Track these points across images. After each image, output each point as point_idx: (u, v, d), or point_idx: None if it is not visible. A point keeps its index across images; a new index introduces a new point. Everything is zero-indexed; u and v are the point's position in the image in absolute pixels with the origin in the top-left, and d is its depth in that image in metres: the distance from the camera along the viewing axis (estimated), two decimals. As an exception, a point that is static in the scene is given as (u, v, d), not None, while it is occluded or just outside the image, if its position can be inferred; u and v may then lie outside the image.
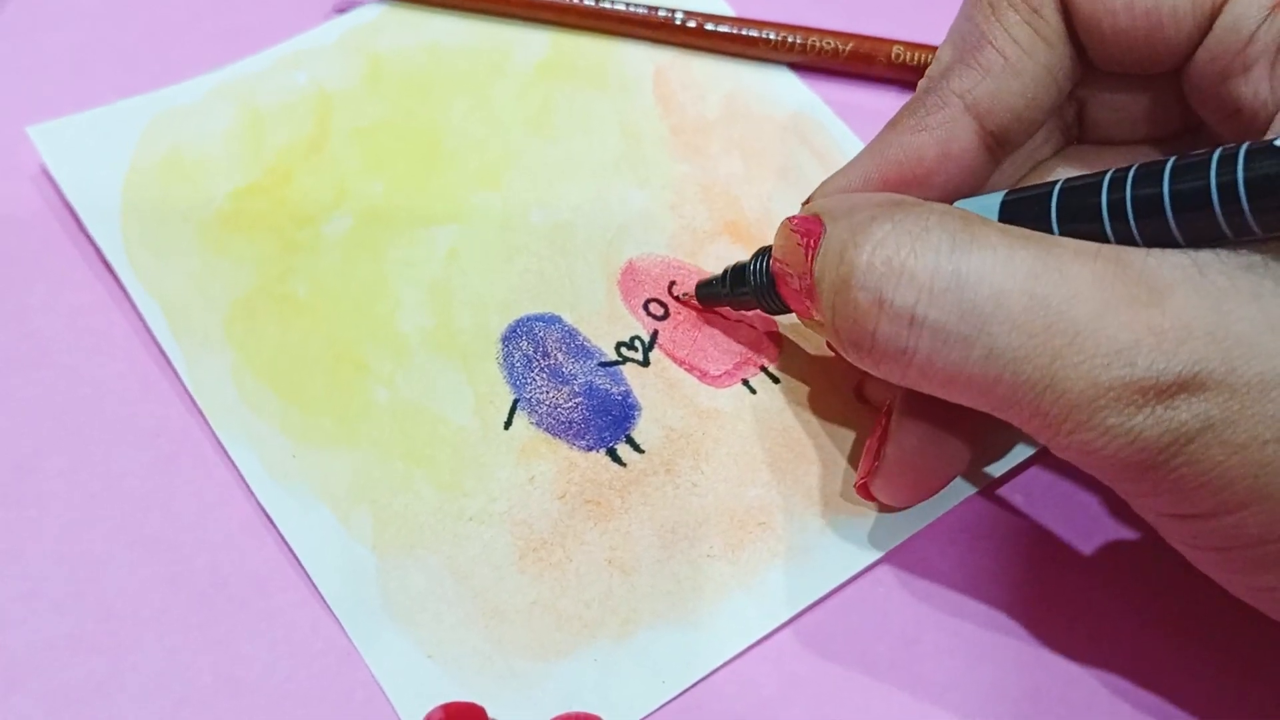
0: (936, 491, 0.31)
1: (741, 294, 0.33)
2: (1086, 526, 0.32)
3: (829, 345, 0.34)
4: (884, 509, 0.32)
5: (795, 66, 0.41)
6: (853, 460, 0.33)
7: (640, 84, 0.40)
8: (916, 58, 0.40)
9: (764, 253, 0.31)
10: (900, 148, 0.29)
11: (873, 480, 0.30)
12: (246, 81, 0.38)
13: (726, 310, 0.35)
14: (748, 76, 0.40)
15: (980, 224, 0.25)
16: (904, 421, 0.29)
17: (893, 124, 0.29)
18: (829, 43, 0.40)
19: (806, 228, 0.27)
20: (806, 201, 0.31)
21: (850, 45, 0.40)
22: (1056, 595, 0.31)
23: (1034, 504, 0.33)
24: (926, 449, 0.29)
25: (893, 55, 0.40)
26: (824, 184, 0.30)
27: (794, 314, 0.30)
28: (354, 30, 0.40)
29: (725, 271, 0.33)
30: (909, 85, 0.41)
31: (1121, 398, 0.23)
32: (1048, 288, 0.24)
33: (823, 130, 0.39)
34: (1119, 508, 0.33)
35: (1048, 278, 0.24)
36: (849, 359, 0.27)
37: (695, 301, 0.35)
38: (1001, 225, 0.25)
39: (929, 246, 0.24)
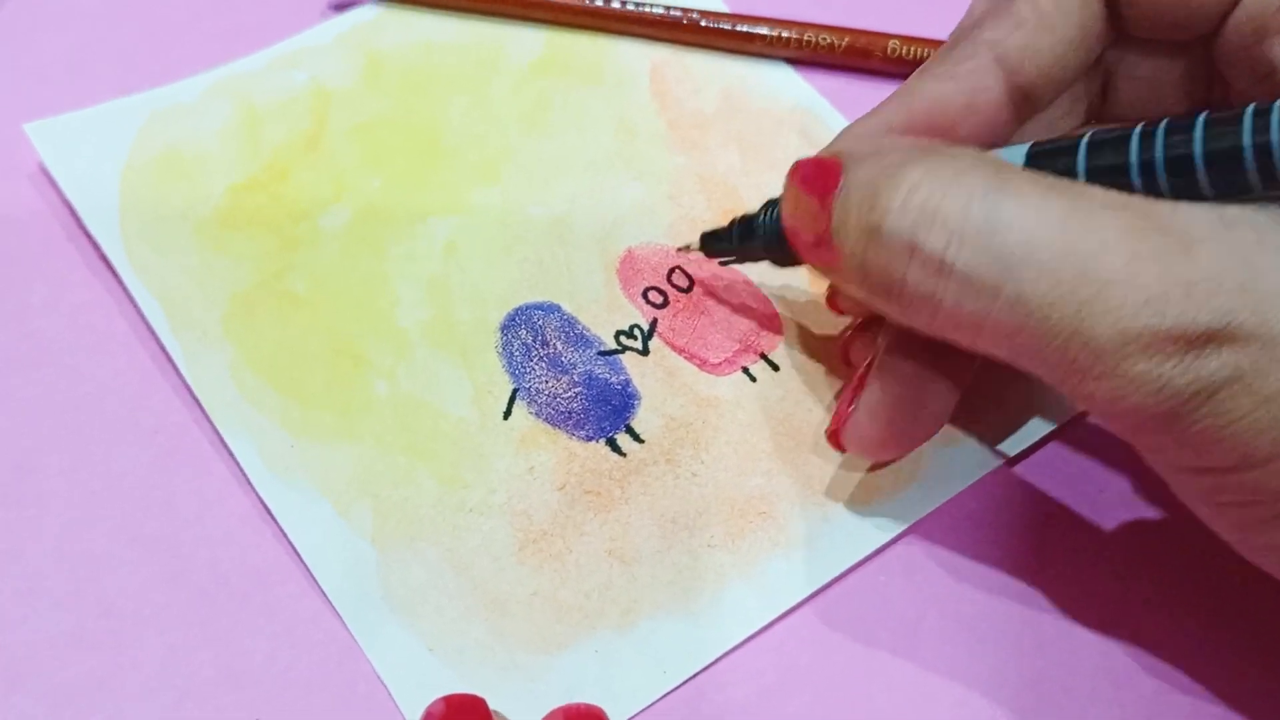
0: (912, 446, 0.31)
1: (749, 246, 0.32)
2: (1089, 513, 0.32)
3: (828, 302, 0.33)
4: (875, 468, 0.32)
5: (792, 61, 0.41)
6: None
7: (636, 80, 0.40)
8: (913, 52, 0.40)
9: (773, 204, 0.31)
10: (926, 95, 0.28)
11: (845, 428, 0.30)
12: (244, 80, 0.38)
13: (727, 295, 0.35)
14: (745, 72, 0.40)
15: (1011, 171, 0.25)
16: (888, 363, 0.29)
17: (921, 71, 0.29)
18: (825, 38, 0.40)
19: (821, 170, 0.27)
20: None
21: (846, 40, 0.40)
22: (1059, 581, 0.31)
23: (1035, 491, 0.33)
24: (900, 402, 0.29)
25: (889, 49, 0.40)
26: (847, 129, 0.30)
27: (795, 280, 0.30)
28: (351, 30, 0.40)
29: (733, 222, 0.32)
30: (906, 78, 0.41)
31: (1150, 346, 0.23)
32: (1077, 236, 0.23)
33: (821, 124, 0.39)
34: (1122, 493, 0.33)
35: (1076, 226, 0.23)
36: (872, 304, 0.27)
37: (699, 252, 0.34)
38: (1031, 173, 0.25)
39: (962, 191, 0.24)
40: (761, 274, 0.35)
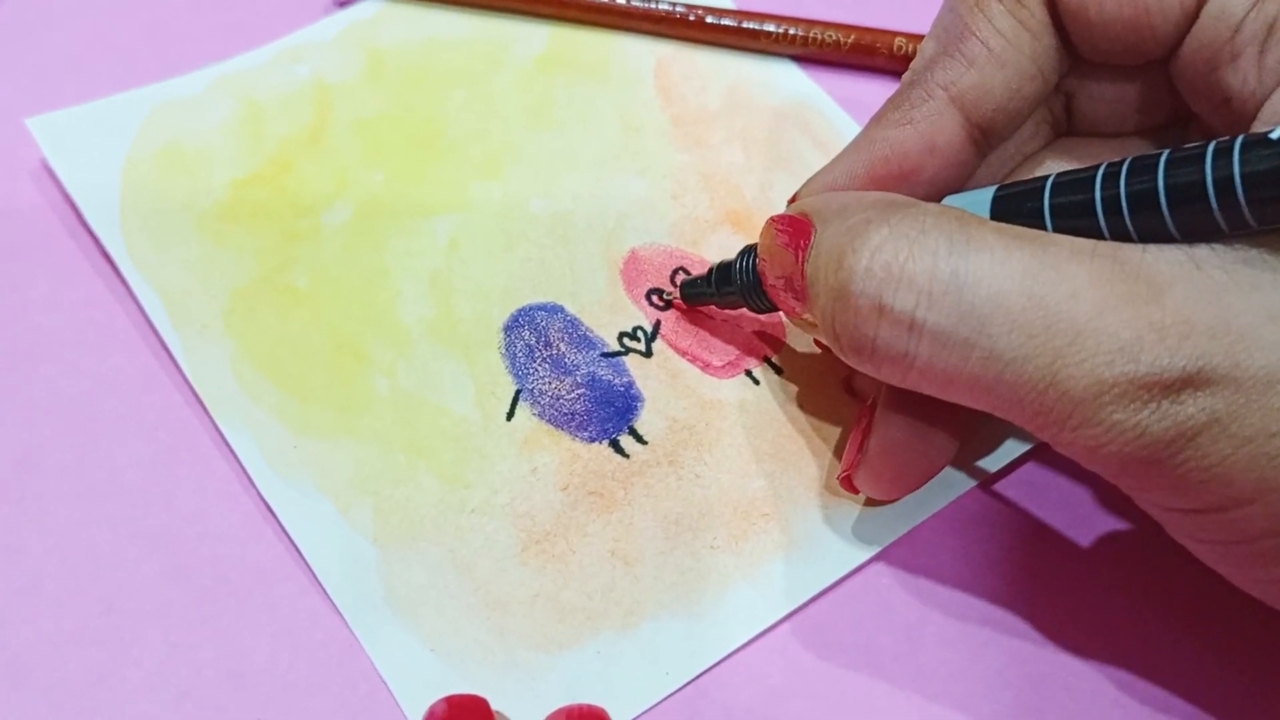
0: (920, 485, 0.30)
1: (727, 294, 0.32)
2: (1087, 518, 0.32)
3: (815, 341, 0.34)
4: (876, 502, 0.32)
5: (797, 58, 0.41)
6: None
7: (641, 76, 0.39)
8: (918, 49, 0.40)
9: (749, 251, 0.31)
10: (885, 143, 0.28)
11: (856, 473, 0.30)
12: (246, 75, 0.38)
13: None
14: (750, 68, 0.40)
15: (976, 224, 0.25)
16: (888, 414, 0.29)
17: (877, 119, 0.29)
18: (831, 35, 0.40)
19: (795, 227, 0.27)
20: (792, 200, 0.30)
21: (852, 37, 0.40)
22: (1059, 586, 0.31)
23: (1036, 496, 0.33)
24: (911, 442, 0.29)
25: (895, 47, 0.40)
26: (809, 182, 0.30)
27: (780, 313, 0.30)
28: (354, 25, 0.40)
29: (710, 270, 0.33)
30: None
31: (1126, 394, 0.23)
32: (1046, 287, 0.23)
33: (825, 121, 0.39)
34: (1119, 500, 0.32)
35: (1045, 277, 0.23)
36: (848, 362, 0.27)
37: (680, 302, 0.34)
38: (996, 224, 0.25)
39: (926, 250, 0.24)
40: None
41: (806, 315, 0.27)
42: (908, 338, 0.25)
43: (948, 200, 0.28)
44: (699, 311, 0.35)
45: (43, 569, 0.30)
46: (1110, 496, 0.32)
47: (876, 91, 0.40)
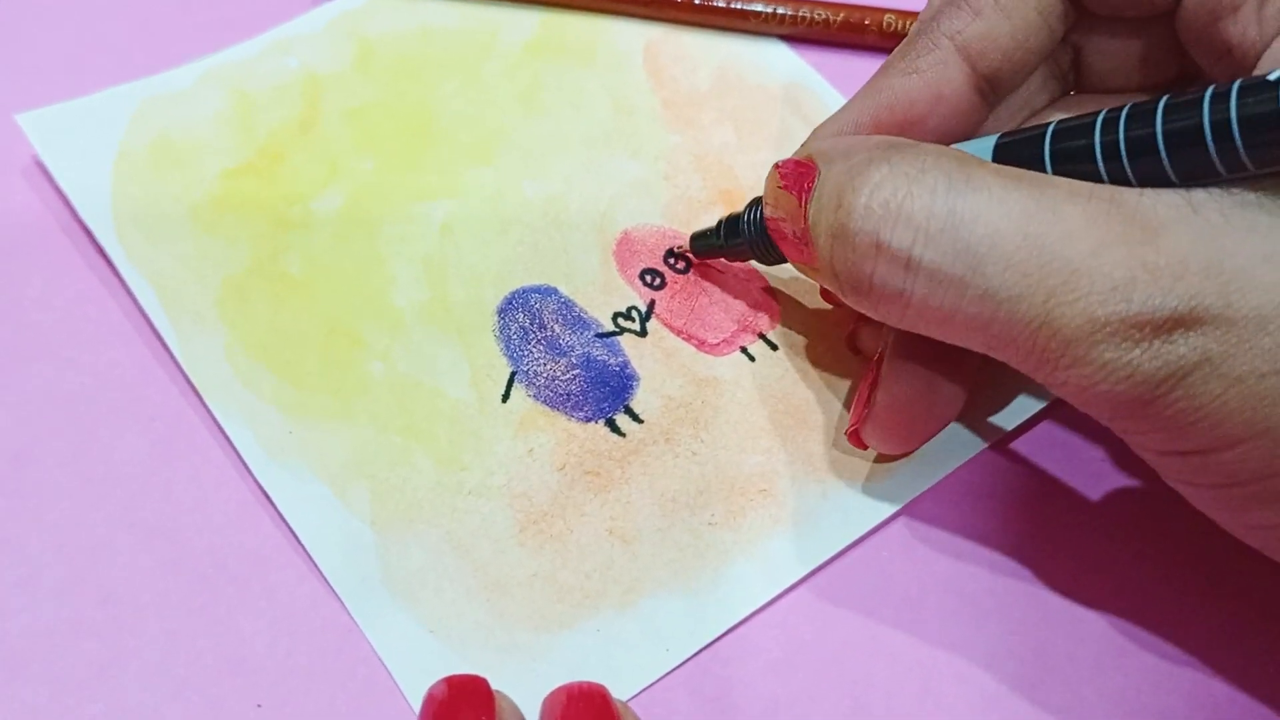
0: (928, 438, 0.31)
1: (736, 245, 0.32)
2: (1088, 484, 0.32)
3: (822, 294, 0.34)
4: (882, 459, 0.32)
5: (787, 38, 0.41)
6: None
7: (630, 59, 0.39)
8: (908, 26, 0.40)
9: (757, 203, 0.31)
10: (892, 91, 0.29)
11: (864, 426, 0.30)
12: (236, 67, 0.38)
13: (724, 276, 0.35)
14: (739, 49, 0.40)
15: (975, 165, 0.25)
16: (895, 366, 0.29)
17: (884, 68, 0.29)
18: (820, 13, 0.40)
19: (799, 171, 0.27)
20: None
21: (841, 15, 0.40)
22: (1060, 553, 0.31)
23: (1035, 464, 0.33)
24: (918, 394, 0.29)
25: (884, 24, 0.40)
26: (817, 129, 0.30)
27: (788, 264, 0.30)
28: (342, 16, 0.40)
29: (719, 223, 0.33)
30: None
31: (1118, 333, 0.23)
32: (1042, 227, 0.23)
33: (816, 99, 0.39)
34: (1121, 464, 0.32)
35: (1042, 217, 0.24)
36: (847, 302, 0.27)
37: (690, 253, 0.35)
38: (996, 166, 0.25)
39: (925, 188, 0.24)
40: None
41: (812, 261, 0.27)
42: (904, 275, 0.25)
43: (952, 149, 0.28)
44: (695, 283, 0.34)
45: (41, 560, 0.30)
46: (1109, 462, 0.32)
47: (867, 69, 0.39)
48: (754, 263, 0.34)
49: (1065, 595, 0.30)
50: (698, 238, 0.34)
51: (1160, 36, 0.29)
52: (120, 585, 0.30)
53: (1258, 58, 0.25)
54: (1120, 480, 0.32)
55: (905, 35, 0.39)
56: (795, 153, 0.29)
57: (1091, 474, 0.32)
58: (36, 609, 0.29)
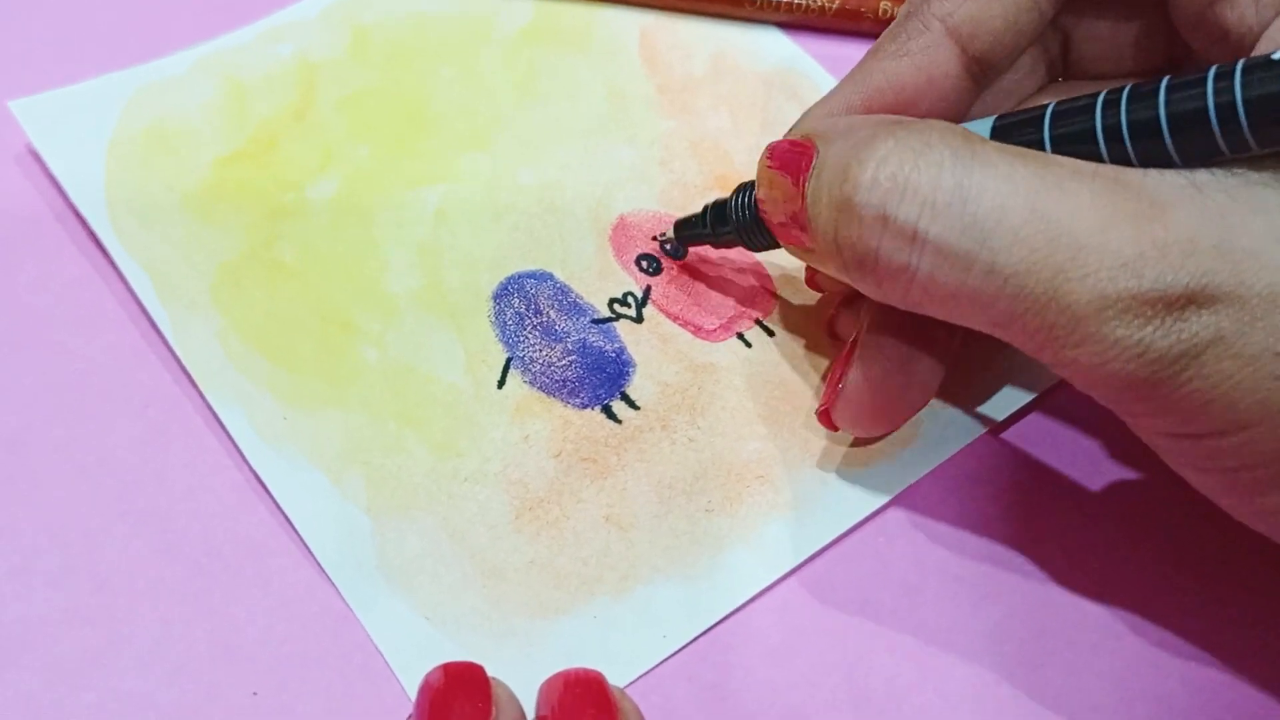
0: (901, 422, 0.30)
1: (723, 232, 0.32)
2: (1086, 470, 0.32)
3: (808, 280, 0.33)
4: (863, 443, 0.32)
5: (782, 25, 0.41)
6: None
7: (625, 46, 0.39)
8: (905, 13, 0.40)
9: (745, 188, 0.31)
10: (883, 74, 0.29)
11: (835, 406, 0.30)
12: (229, 55, 0.38)
13: (719, 264, 0.34)
14: (735, 36, 0.40)
15: (980, 141, 0.25)
16: (870, 344, 0.29)
17: (874, 51, 0.29)
18: (816, 0, 0.40)
19: (795, 150, 0.27)
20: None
21: (837, 2, 0.40)
22: (1057, 539, 0.31)
23: (1033, 450, 0.32)
24: (891, 373, 0.29)
25: (880, 11, 0.40)
26: (807, 112, 0.30)
27: (778, 249, 0.30)
28: (337, 3, 0.40)
29: (705, 209, 0.32)
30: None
31: (1130, 309, 0.23)
32: (1049, 203, 0.23)
33: (812, 86, 0.39)
34: (1119, 449, 0.32)
35: (1048, 193, 0.23)
36: (847, 279, 0.27)
37: (674, 239, 0.34)
38: (999, 144, 0.25)
39: (931, 162, 0.24)
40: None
41: (808, 241, 0.27)
42: (910, 249, 0.24)
43: None
44: (691, 270, 0.34)
45: (35, 547, 0.30)
46: (1106, 449, 0.32)
47: (862, 55, 0.40)
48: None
49: (1063, 580, 0.30)
50: (683, 225, 0.33)
51: (1150, 20, 0.29)
52: (114, 572, 0.29)
53: (1255, 42, 0.25)
54: (1118, 465, 0.32)
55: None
56: (786, 134, 0.29)
57: (1090, 459, 0.32)
58: (30, 596, 0.29)
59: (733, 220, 0.31)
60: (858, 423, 0.30)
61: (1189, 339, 0.23)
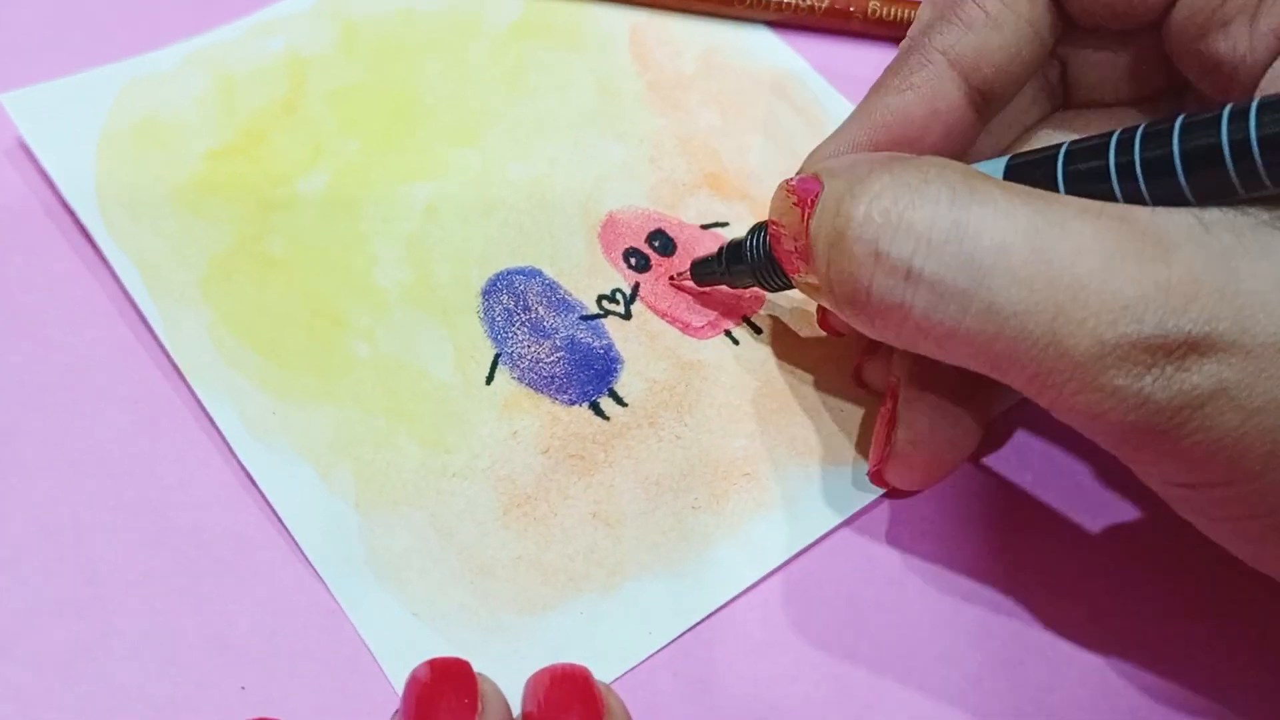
0: (950, 472, 0.30)
1: (738, 271, 0.32)
2: (1073, 469, 0.32)
3: (819, 322, 0.33)
4: (900, 494, 0.32)
5: (772, 24, 0.41)
6: (833, 411, 0.33)
7: (616, 43, 0.39)
8: (894, 13, 0.40)
9: (759, 229, 0.31)
10: (888, 109, 0.28)
11: (886, 467, 0.30)
12: (219, 48, 0.38)
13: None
14: (725, 34, 0.40)
15: (980, 178, 0.24)
16: (911, 404, 0.29)
17: (878, 86, 0.29)
18: (806, 0, 0.40)
19: (804, 187, 0.27)
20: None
21: (827, 2, 0.40)
22: (1042, 536, 0.31)
23: (1020, 449, 0.33)
24: (937, 430, 0.29)
25: (869, 11, 0.40)
26: (814, 151, 0.30)
27: (792, 290, 0.30)
28: (328, -3, 0.40)
29: (720, 249, 0.32)
30: (886, 40, 0.41)
31: (1129, 357, 0.22)
32: (1050, 242, 0.23)
33: (801, 85, 0.39)
34: (1106, 451, 0.32)
35: (1050, 232, 0.23)
36: (844, 316, 0.26)
37: (689, 283, 0.34)
38: (1002, 182, 0.24)
39: (928, 198, 0.24)
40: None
41: (810, 277, 0.27)
42: (904, 286, 0.24)
43: None
44: (678, 271, 0.35)
45: (24, 541, 0.30)
46: (1094, 451, 0.33)
47: (852, 56, 0.40)
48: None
49: (1046, 578, 0.31)
50: (699, 265, 0.33)
51: (1147, 49, 0.28)
52: (104, 566, 0.29)
53: (1250, 73, 0.25)
54: (1105, 466, 0.32)
55: (890, 22, 0.40)
56: (797, 172, 0.28)
57: (1077, 459, 0.33)
58: (20, 589, 0.29)
59: (748, 260, 0.31)
60: (912, 480, 0.30)
61: (1190, 389, 0.22)
